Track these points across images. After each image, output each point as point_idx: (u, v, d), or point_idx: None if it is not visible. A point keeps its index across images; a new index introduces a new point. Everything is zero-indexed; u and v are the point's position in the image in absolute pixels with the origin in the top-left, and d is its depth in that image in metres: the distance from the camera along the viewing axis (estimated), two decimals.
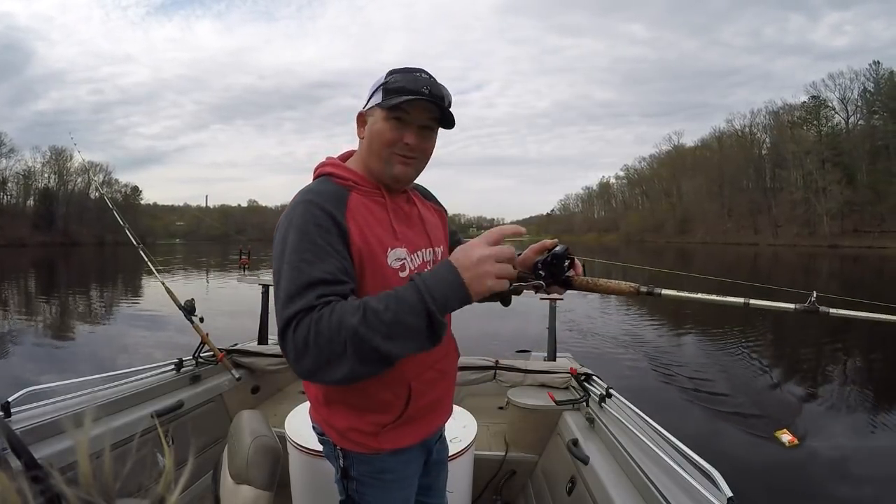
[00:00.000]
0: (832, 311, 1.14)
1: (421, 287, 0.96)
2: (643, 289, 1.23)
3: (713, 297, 1.23)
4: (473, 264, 0.97)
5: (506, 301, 1.09)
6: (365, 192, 1.23)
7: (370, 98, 1.23)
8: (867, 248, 55.10)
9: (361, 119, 1.26)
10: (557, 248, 1.24)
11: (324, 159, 1.33)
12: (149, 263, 3.43)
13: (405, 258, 1.23)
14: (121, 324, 11.39)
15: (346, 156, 1.34)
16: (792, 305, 1.18)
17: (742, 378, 6.99)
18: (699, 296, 1.25)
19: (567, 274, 1.26)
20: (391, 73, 1.21)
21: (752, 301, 1.22)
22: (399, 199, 1.32)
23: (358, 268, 1.14)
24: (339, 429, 1.26)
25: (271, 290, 3.56)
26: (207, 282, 21.39)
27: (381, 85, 1.20)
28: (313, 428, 1.39)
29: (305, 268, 1.04)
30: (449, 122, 1.24)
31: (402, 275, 1.21)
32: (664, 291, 1.24)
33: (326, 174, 1.25)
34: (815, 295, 1.14)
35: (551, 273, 1.23)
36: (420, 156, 1.24)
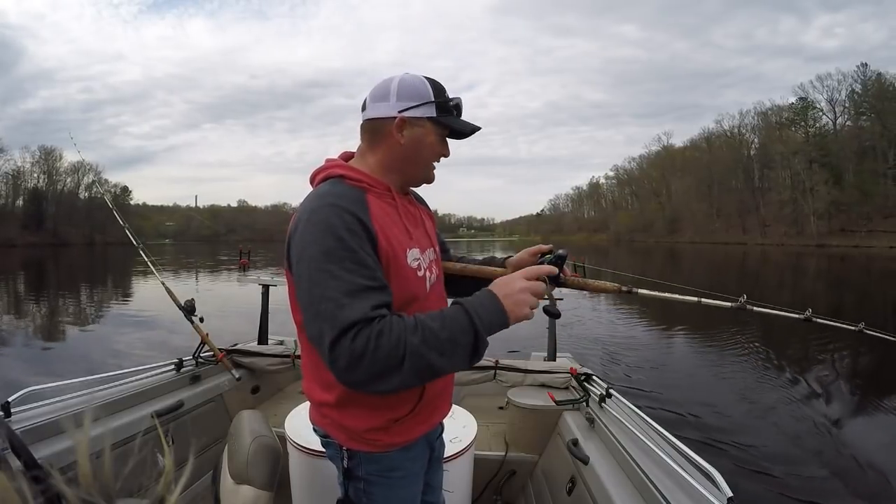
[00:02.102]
0: (756, 308, 1.50)
1: (470, 310, 1.07)
2: (623, 288, 1.48)
3: (675, 296, 1.52)
4: (515, 293, 1.12)
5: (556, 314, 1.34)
6: (378, 194, 1.24)
7: (416, 107, 1.24)
8: (854, 247, 55.46)
9: (402, 124, 1.24)
10: (561, 251, 1.41)
11: (322, 162, 1.33)
12: (149, 264, 3.42)
13: (419, 258, 1.27)
14: (114, 325, 11.25)
15: (347, 156, 1.35)
16: (729, 304, 1.49)
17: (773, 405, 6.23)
18: (665, 295, 1.53)
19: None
20: (438, 89, 1.27)
21: (703, 300, 1.52)
22: (404, 200, 1.34)
23: (384, 270, 1.16)
24: (353, 430, 1.26)
25: (271, 290, 3.59)
26: (197, 281, 21.23)
27: (435, 101, 1.25)
28: (314, 430, 1.38)
29: (347, 276, 1.06)
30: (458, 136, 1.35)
31: (419, 274, 1.25)
32: (640, 291, 1.50)
33: (338, 176, 1.24)
34: (745, 297, 1.48)
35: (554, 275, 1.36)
36: None
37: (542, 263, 1.37)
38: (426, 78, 1.27)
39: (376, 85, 1.29)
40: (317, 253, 1.08)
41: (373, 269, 1.10)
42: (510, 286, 1.13)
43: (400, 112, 1.23)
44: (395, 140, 1.25)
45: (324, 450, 1.39)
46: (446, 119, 1.26)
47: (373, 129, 1.28)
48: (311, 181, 1.30)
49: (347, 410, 1.25)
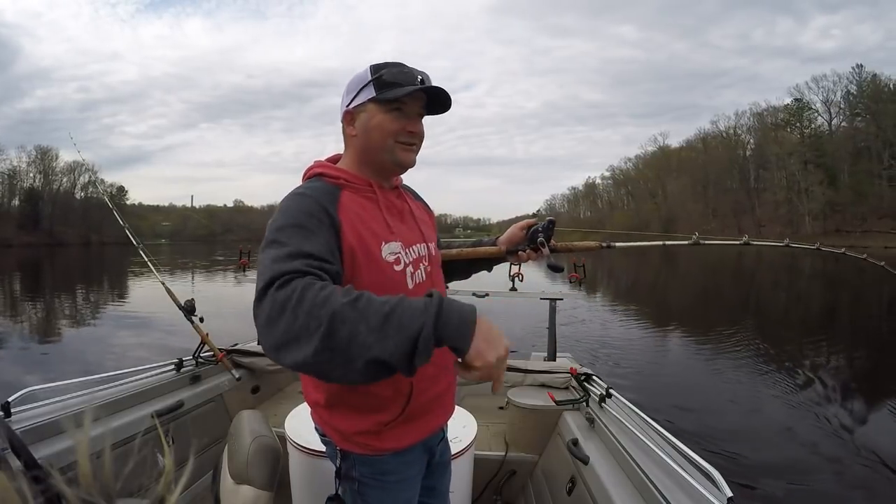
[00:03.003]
0: (707, 241, 1.82)
1: (435, 298, 0.87)
2: (603, 244, 1.77)
3: (644, 243, 1.90)
4: (494, 336, 0.88)
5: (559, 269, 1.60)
6: (356, 190, 1.25)
7: (357, 94, 1.24)
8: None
9: (350, 117, 1.27)
10: (549, 218, 1.57)
11: (311, 163, 1.34)
12: (149, 264, 3.42)
13: (399, 252, 1.25)
14: (113, 325, 11.27)
15: (335, 159, 1.35)
16: (686, 241, 1.81)
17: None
18: (637, 244, 1.89)
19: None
20: (378, 67, 1.23)
21: (667, 242, 1.89)
22: (390, 194, 1.34)
23: (350, 264, 1.14)
24: (343, 431, 1.26)
25: None
26: (193, 282, 21.15)
27: (371, 80, 1.22)
28: (315, 429, 1.39)
29: (293, 242, 1.02)
30: (443, 106, 1.30)
31: (396, 268, 1.23)
32: (616, 244, 1.80)
33: (317, 175, 1.26)
34: (697, 234, 1.81)
35: (547, 237, 1.55)
36: (419, 142, 1.30)
37: (533, 233, 1.55)
38: (373, 64, 1.25)
39: None
40: (271, 230, 1.07)
41: (323, 244, 1.06)
42: (494, 334, 0.89)
43: (346, 106, 1.26)
44: (350, 134, 1.28)
45: (324, 449, 1.40)
46: (388, 93, 1.20)
47: (341, 132, 1.32)
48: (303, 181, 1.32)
49: (336, 411, 1.26)
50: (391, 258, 1.23)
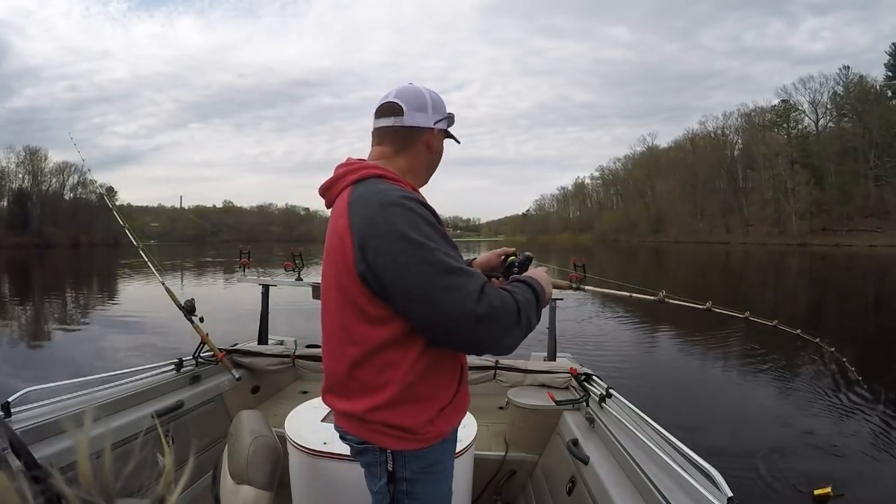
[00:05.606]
0: (672, 301, 2.04)
1: (534, 285, 1.31)
2: (574, 284, 1.93)
3: (615, 291, 2.11)
4: (548, 282, 1.40)
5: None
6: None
7: (441, 120, 1.41)
8: (835, 246, 56.11)
9: (436, 135, 1.41)
10: (527, 253, 1.62)
11: (332, 163, 1.40)
12: (149, 264, 3.44)
13: None
14: (111, 327, 11.20)
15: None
16: (653, 297, 2.01)
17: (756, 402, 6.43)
18: (607, 290, 2.13)
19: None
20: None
21: (633, 294, 2.08)
22: None
23: None
24: (405, 427, 1.25)
25: (271, 290, 3.59)
26: (182, 283, 21.00)
27: (448, 116, 1.43)
28: (344, 438, 1.36)
29: (454, 252, 1.20)
30: None
31: None
32: (586, 287, 1.95)
33: (377, 176, 1.28)
34: (663, 292, 2.02)
35: (522, 271, 1.57)
36: None
37: (509, 265, 1.60)
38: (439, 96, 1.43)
39: (406, 92, 1.39)
40: (421, 238, 1.15)
41: (459, 251, 1.24)
42: (546, 279, 1.39)
43: (435, 124, 1.40)
44: (426, 148, 1.41)
45: (323, 450, 1.40)
46: (452, 134, 1.47)
47: (409, 136, 1.39)
48: (332, 184, 1.35)
49: (402, 407, 1.24)
50: None
